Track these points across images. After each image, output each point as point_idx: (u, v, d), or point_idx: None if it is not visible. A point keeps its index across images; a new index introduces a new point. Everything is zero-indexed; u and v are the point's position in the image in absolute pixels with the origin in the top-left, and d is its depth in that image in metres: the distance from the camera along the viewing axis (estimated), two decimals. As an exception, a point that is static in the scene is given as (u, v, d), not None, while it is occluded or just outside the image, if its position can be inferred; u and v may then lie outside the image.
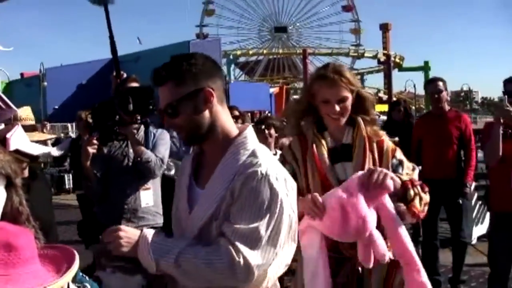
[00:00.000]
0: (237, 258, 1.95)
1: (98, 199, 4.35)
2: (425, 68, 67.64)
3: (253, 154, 2.09)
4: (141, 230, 2.05)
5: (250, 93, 31.14)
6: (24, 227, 1.88)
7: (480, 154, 7.07)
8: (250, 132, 2.18)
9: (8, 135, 2.10)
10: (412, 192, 2.65)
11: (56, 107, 31.54)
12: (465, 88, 78.58)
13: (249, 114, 22.60)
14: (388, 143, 2.96)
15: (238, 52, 78.63)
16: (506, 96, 4.55)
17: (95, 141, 4.08)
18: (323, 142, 2.94)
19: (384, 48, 74.17)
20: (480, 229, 8.38)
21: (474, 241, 8.05)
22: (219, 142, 2.16)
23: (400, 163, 2.91)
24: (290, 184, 2.11)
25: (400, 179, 2.69)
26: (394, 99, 36.64)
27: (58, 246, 1.97)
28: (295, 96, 67.26)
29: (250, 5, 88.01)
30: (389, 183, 2.51)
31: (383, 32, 79.10)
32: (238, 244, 1.96)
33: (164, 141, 4.37)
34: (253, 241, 1.98)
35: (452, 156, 5.94)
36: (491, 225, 5.43)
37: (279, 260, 2.08)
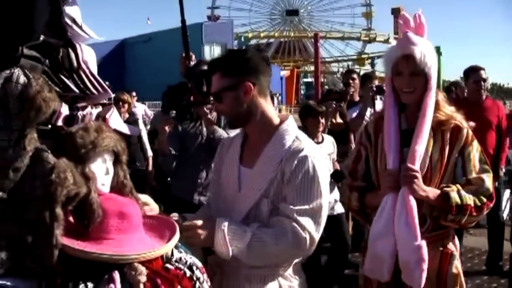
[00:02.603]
0: (303, 234, 2.23)
1: (173, 173, 4.68)
2: (437, 53, 67.35)
3: (297, 139, 2.38)
4: (216, 221, 2.26)
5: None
6: (129, 198, 2.08)
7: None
8: (291, 121, 2.46)
9: (107, 116, 2.28)
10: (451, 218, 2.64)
11: (70, 86, 31.74)
12: (476, 74, 77.79)
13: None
14: (466, 132, 2.77)
15: (250, 35, 78.16)
16: None
17: (171, 120, 4.40)
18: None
19: (396, 32, 73.13)
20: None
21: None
22: (262, 127, 2.43)
23: (467, 160, 2.74)
24: (326, 165, 2.45)
25: (448, 192, 2.63)
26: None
27: (154, 216, 2.20)
28: (305, 79, 66.99)
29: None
30: (413, 187, 2.61)
31: (394, 17, 78.22)
32: (302, 221, 2.24)
33: None
34: (313, 217, 2.26)
35: (493, 143, 6.02)
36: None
37: None
